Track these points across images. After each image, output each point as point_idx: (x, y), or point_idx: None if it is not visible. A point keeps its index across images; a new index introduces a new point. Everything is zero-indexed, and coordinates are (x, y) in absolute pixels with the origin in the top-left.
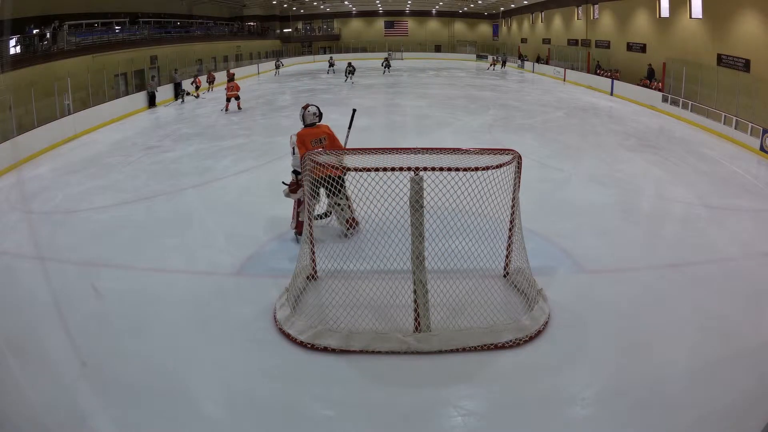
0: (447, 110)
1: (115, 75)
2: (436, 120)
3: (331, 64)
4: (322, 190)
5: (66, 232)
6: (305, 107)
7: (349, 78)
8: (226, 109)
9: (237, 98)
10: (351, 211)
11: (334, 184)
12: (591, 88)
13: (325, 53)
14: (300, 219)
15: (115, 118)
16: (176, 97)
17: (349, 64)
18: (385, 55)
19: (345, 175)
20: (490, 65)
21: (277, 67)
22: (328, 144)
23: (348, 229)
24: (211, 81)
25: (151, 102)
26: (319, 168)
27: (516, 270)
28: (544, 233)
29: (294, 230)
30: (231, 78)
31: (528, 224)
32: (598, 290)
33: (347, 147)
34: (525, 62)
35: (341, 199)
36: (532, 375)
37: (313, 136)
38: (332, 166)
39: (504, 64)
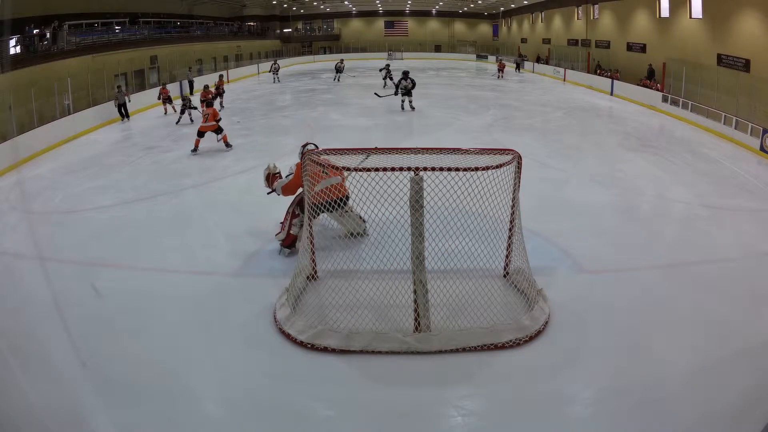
0: (447, 110)
1: (115, 75)
2: (436, 120)
3: (339, 69)
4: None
5: (66, 232)
6: (304, 145)
7: (405, 102)
8: (195, 148)
9: (218, 131)
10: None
11: (341, 204)
12: (591, 88)
13: (325, 53)
14: (291, 232)
15: (115, 119)
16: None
17: (403, 82)
18: (384, 57)
19: (347, 196)
20: (499, 71)
21: (275, 71)
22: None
23: (361, 231)
24: (166, 99)
25: (123, 114)
26: (322, 193)
27: (516, 270)
28: (544, 233)
29: (280, 242)
30: (208, 100)
31: (528, 224)
32: (598, 290)
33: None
34: (525, 62)
35: (347, 212)
36: (532, 375)
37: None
38: (335, 188)
39: (518, 67)
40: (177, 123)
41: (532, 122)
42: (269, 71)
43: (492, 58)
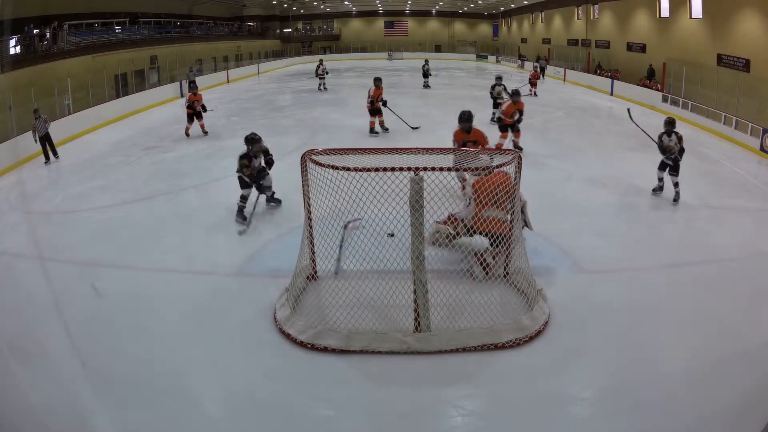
0: (447, 110)
1: (115, 75)
2: (436, 120)
3: (427, 73)
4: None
5: (66, 232)
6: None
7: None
8: None
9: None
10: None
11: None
12: (591, 88)
13: (325, 53)
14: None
15: (115, 118)
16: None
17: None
18: (384, 56)
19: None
20: (531, 88)
21: (321, 75)
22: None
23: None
24: (197, 113)
25: (47, 150)
26: (482, 223)
27: (516, 270)
28: (544, 233)
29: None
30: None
31: None
32: (598, 290)
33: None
34: (525, 62)
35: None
36: (532, 375)
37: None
38: (495, 221)
39: (542, 72)
40: (266, 200)
41: (532, 122)
42: (315, 75)
43: (504, 60)
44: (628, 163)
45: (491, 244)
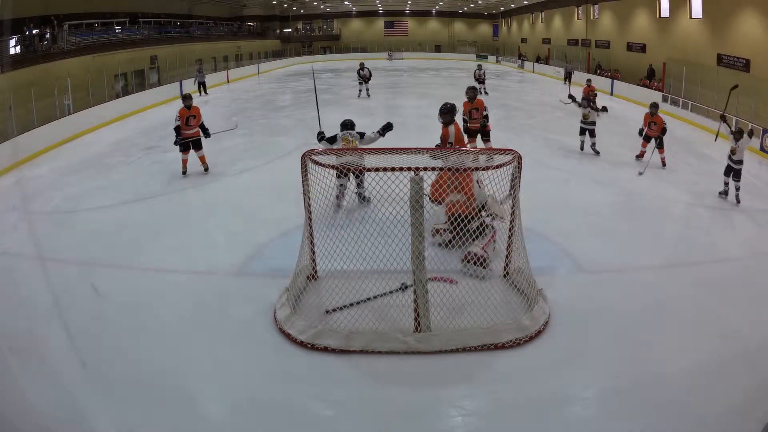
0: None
1: (115, 75)
2: (436, 120)
3: (482, 79)
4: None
5: (66, 232)
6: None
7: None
8: None
9: None
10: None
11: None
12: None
13: (325, 53)
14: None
15: (115, 118)
16: None
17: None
18: (384, 57)
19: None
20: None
21: (364, 79)
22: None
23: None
24: (195, 142)
25: None
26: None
27: (516, 270)
28: (544, 233)
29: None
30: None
31: (528, 224)
32: (598, 290)
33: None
34: (525, 62)
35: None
36: (532, 375)
37: None
38: (454, 203)
39: (569, 78)
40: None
41: (532, 122)
42: (357, 81)
43: (504, 60)
44: (629, 163)
45: (451, 224)
